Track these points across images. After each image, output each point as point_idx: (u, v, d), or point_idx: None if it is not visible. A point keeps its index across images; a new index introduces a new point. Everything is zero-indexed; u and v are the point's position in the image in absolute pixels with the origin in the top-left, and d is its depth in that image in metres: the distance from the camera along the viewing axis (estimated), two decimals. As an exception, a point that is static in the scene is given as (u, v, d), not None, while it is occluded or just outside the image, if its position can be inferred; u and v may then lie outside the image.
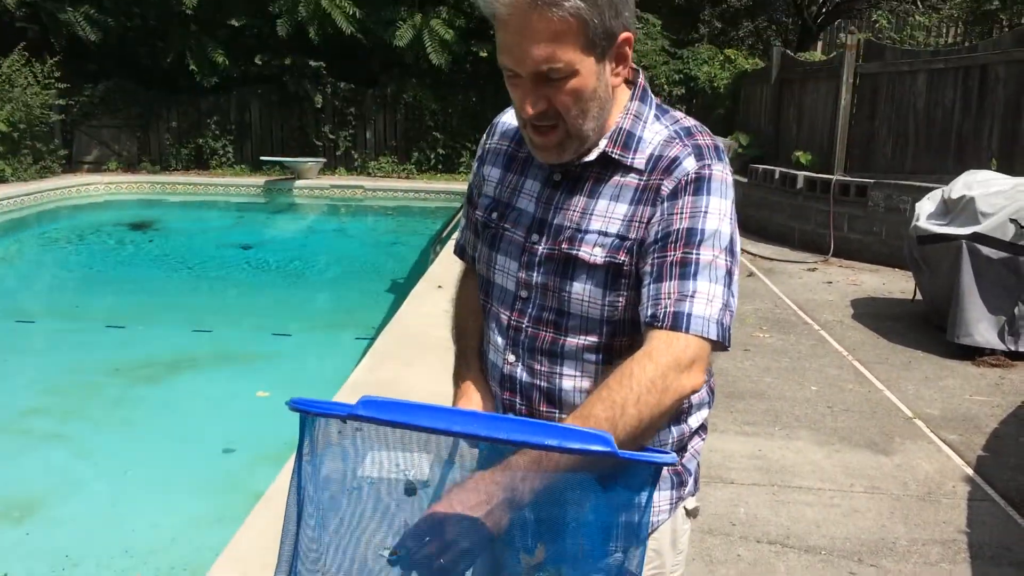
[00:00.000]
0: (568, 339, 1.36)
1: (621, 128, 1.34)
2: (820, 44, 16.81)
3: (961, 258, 5.32)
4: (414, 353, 4.73)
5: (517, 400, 1.43)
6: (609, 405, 1.15)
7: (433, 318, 5.34)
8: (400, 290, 7.57)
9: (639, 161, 1.32)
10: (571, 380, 1.37)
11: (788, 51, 12.15)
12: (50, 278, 9.47)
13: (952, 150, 8.49)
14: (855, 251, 8.35)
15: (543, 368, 1.39)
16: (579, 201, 1.35)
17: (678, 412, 1.38)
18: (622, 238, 1.31)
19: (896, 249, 7.37)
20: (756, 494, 3.47)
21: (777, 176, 9.48)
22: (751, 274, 7.68)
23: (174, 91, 14.64)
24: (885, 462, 3.80)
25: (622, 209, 1.32)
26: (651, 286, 1.26)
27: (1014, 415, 4.37)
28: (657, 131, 1.34)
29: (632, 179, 1.32)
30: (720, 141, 1.37)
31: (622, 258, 1.31)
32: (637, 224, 1.31)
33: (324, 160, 14.60)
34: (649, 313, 1.24)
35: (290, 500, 1.11)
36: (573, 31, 1.20)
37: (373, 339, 5.44)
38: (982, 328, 5.27)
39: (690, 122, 1.36)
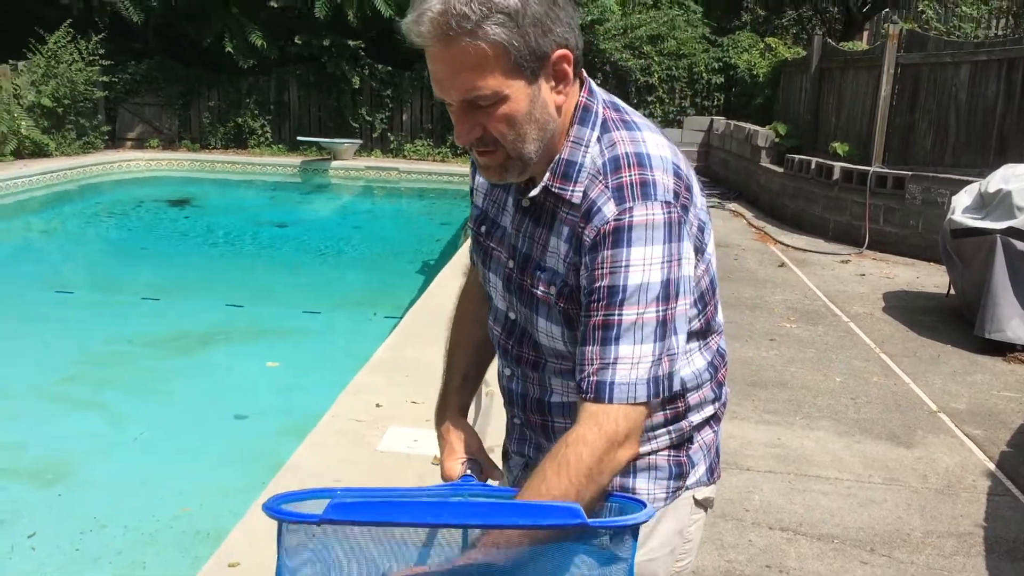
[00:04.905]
0: (549, 361, 1.36)
1: (561, 158, 1.26)
2: (865, 34, 16.54)
3: (995, 252, 5.24)
4: (438, 333, 4.75)
5: (515, 410, 1.46)
6: (549, 501, 1.12)
7: (460, 299, 5.38)
8: (430, 271, 7.64)
9: (577, 194, 1.25)
10: (559, 395, 1.37)
11: (829, 40, 11.96)
12: (90, 251, 9.67)
13: (993, 144, 8.33)
14: (890, 244, 8.23)
15: (533, 383, 1.40)
16: (541, 233, 1.30)
17: (675, 415, 1.37)
18: (563, 281, 1.26)
19: (932, 243, 7.25)
20: (771, 481, 3.47)
21: (813, 166, 9.36)
22: (782, 264, 7.62)
23: (215, 70, 14.81)
24: (905, 454, 3.78)
25: (563, 248, 1.26)
26: (578, 348, 1.22)
27: (1042, 412, 4.32)
28: (594, 157, 1.25)
29: (570, 216, 1.25)
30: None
31: (562, 304, 1.27)
32: (571, 267, 1.25)
33: (360, 141, 14.68)
34: (577, 379, 1.22)
35: None
36: (492, 58, 1.15)
37: (400, 318, 5.50)
38: (1014, 324, 5.19)
39: (623, 148, 1.24)
